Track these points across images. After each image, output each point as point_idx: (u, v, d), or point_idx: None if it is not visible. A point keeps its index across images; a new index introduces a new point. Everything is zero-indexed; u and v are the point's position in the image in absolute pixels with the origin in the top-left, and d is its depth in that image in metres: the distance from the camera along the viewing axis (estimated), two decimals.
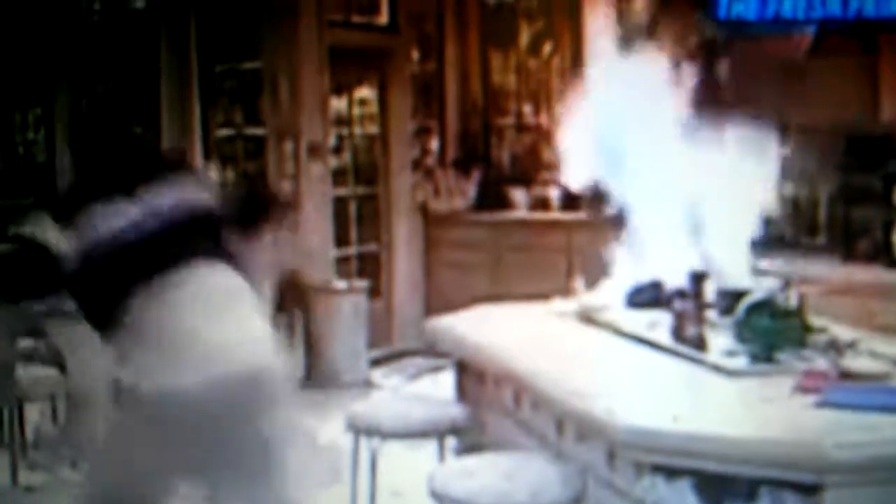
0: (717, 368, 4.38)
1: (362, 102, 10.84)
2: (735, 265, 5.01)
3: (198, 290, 4.21)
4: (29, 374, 7.32)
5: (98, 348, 7.01)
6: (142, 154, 4.99)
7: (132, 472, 4.30)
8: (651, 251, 5.40)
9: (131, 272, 4.20)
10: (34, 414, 7.81)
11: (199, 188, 4.51)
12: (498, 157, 11.34)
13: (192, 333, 4.09)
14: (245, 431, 4.15)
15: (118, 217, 4.23)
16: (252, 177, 6.16)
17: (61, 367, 7.44)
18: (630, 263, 5.51)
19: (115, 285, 4.22)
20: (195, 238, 4.36)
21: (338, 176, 10.37)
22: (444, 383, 7.52)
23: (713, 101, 5.32)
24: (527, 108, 11.25)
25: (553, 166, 10.74)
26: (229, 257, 4.39)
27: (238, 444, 4.16)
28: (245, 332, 4.21)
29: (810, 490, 3.47)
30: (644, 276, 5.43)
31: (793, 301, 4.50)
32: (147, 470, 4.26)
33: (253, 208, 4.88)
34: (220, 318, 4.17)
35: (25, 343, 7.58)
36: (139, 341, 4.19)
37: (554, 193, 10.67)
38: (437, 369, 9.39)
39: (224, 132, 10.35)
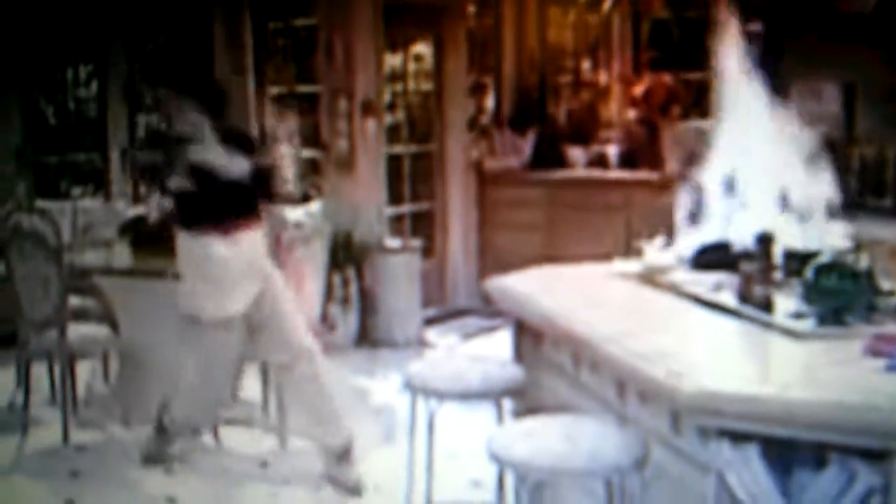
0: (785, 331, 4.28)
1: (417, 59, 10.78)
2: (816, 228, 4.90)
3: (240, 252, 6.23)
4: (80, 331, 7.34)
5: (149, 306, 7.09)
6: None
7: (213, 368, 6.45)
8: (722, 212, 5.30)
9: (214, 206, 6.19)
10: (85, 372, 7.83)
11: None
12: (554, 114, 11.28)
13: (232, 283, 6.24)
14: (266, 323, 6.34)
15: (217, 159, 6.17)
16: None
17: (113, 324, 7.44)
18: (697, 224, 5.41)
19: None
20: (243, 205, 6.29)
21: (392, 133, 10.34)
22: (498, 343, 7.49)
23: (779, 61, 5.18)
24: (585, 65, 11.17)
25: (611, 124, 10.69)
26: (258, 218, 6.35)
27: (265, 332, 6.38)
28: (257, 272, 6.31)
29: (880, 456, 3.38)
30: (710, 237, 5.33)
31: (862, 263, 4.39)
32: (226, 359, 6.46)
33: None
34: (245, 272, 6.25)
35: (77, 300, 7.59)
36: (200, 282, 6.26)
37: (612, 151, 10.59)
38: (491, 329, 9.39)
39: (277, 90, 10.30)
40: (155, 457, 6.69)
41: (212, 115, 6.30)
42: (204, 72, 6.73)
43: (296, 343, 6.39)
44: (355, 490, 6.31)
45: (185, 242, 6.32)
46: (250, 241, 6.29)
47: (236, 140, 6.41)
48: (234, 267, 6.22)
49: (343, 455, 6.38)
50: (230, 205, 6.26)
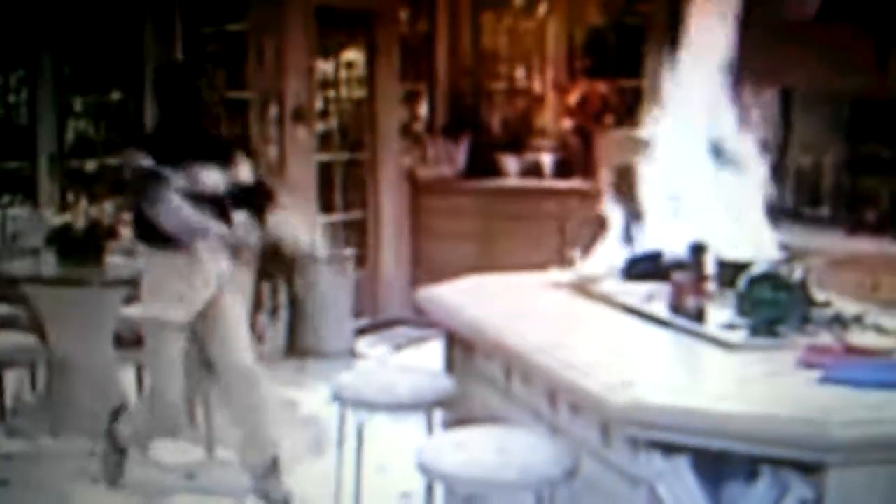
0: (717, 342, 4.28)
1: (349, 65, 10.72)
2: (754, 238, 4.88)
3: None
4: (8, 340, 7.23)
5: (77, 315, 6.98)
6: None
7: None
8: (654, 222, 5.28)
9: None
10: (13, 381, 7.72)
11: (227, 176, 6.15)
12: (489, 122, 11.23)
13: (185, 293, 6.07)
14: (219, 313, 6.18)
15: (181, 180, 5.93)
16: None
17: (41, 333, 7.33)
18: (628, 234, 5.39)
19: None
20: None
21: (323, 141, 10.26)
22: (430, 353, 7.45)
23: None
24: (519, 72, 11.15)
25: (545, 132, 10.68)
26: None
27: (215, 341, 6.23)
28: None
29: (813, 469, 3.37)
30: (642, 247, 5.31)
31: (796, 274, 4.38)
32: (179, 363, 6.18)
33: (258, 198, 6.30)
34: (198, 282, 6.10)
35: (5, 309, 7.49)
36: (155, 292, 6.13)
37: (546, 160, 10.57)
38: (423, 339, 9.34)
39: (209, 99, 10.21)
40: (113, 477, 6.56)
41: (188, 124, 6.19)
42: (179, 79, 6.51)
43: (235, 361, 6.24)
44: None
45: (152, 257, 6.18)
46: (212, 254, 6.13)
47: (211, 150, 6.26)
48: (192, 278, 6.08)
49: (271, 469, 6.28)
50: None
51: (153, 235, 6.02)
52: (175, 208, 5.88)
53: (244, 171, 6.26)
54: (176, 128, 6.18)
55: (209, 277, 6.11)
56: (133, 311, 6.41)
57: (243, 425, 6.29)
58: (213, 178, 6.10)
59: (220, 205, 6.13)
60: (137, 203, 6.11)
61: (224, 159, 6.21)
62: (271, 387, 6.60)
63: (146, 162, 5.94)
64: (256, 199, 6.28)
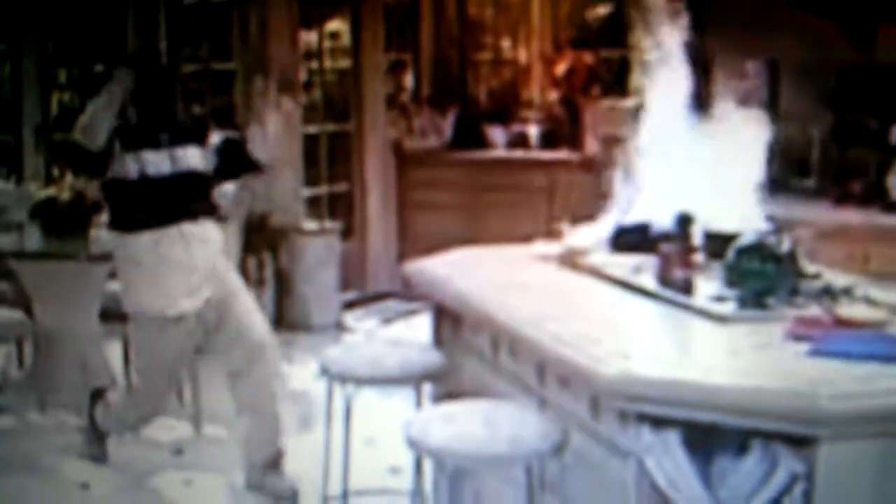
0: (705, 314, 4.25)
1: (333, 36, 10.68)
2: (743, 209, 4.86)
3: (186, 246, 5.96)
4: None
5: (63, 289, 6.96)
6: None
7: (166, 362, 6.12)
8: (645, 192, 5.25)
9: (152, 209, 5.93)
10: (0, 357, 7.70)
11: (207, 153, 6.10)
12: (475, 93, 11.20)
13: (182, 278, 5.94)
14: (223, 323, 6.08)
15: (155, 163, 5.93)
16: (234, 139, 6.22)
17: (27, 308, 7.31)
18: (619, 204, 5.36)
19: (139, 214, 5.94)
20: (195, 198, 6.03)
21: (308, 112, 10.21)
22: (418, 326, 7.45)
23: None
24: (505, 43, 11.12)
25: (532, 103, 10.65)
26: (212, 210, 6.13)
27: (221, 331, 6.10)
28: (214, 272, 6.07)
29: (803, 442, 3.35)
30: (631, 218, 5.29)
31: (785, 245, 4.36)
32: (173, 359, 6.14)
33: (235, 165, 6.26)
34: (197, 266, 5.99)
35: None
36: (142, 278, 5.95)
37: (533, 131, 10.54)
38: (411, 312, 9.34)
39: (191, 67, 10.16)
40: (98, 456, 6.53)
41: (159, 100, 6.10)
42: (150, 53, 6.46)
43: (252, 343, 6.12)
44: (292, 499, 6.14)
45: (120, 240, 6.07)
46: (200, 236, 6.04)
47: (185, 128, 6.21)
48: (179, 264, 5.96)
49: (275, 462, 6.21)
50: (169, 201, 5.99)
51: (132, 216, 5.97)
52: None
53: (215, 143, 6.18)
54: (151, 114, 6.07)
55: (211, 256, 6.05)
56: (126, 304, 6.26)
57: (255, 407, 6.12)
58: (194, 157, 6.05)
59: (204, 182, 6.11)
60: (112, 181, 6.02)
61: (201, 138, 6.15)
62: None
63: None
64: (236, 164, 6.27)
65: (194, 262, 5.97)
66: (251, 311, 6.20)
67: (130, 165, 5.91)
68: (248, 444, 6.17)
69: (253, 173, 6.51)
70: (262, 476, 6.14)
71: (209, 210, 6.13)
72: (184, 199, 6.01)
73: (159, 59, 6.50)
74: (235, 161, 6.25)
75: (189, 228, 5.98)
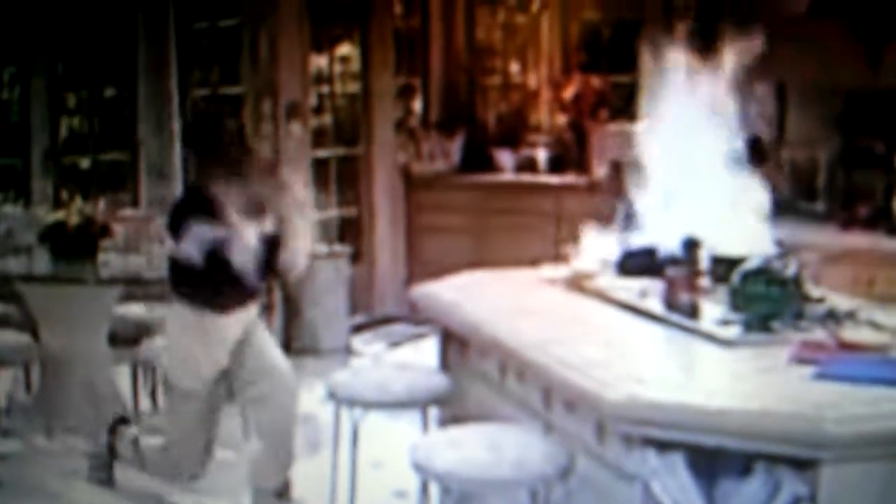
0: (711, 337, 4.28)
1: (343, 60, 10.69)
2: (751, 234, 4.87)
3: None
4: (1, 339, 7.20)
5: (71, 313, 6.95)
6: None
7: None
8: (648, 216, 5.26)
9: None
10: (7, 381, 7.70)
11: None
12: (483, 117, 11.23)
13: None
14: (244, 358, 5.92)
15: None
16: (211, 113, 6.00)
17: (34, 332, 7.31)
18: (627, 228, 5.38)
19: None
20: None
21: (318, 136, 10.23)
22: (426, 350, 7.44)
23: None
24: (514, 67, 11.14)
25: (539, 127, 10.67)
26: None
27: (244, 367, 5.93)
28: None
29: (806, 465, 3.37)
30: (636, 242, 5.30)
31: (790, 269, 4.38)
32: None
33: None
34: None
35: None
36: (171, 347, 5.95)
37: (541, 155, 10.56)
38: (419, 336, 9.34)
39: (201, 92, 10.19)
40: (105, 480, 6.50)
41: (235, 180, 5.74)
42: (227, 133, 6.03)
43: (275, 371, 5.99)
44: None
45: (180, 312, 5.88)
46: (244, 317, 5.91)
47: (249, 204, 5.77)
48: (218, 342, 5.85)
49: (284, 491, 6.13)
50: (235, 282, 5.74)
51: (187, 286, 5.81)
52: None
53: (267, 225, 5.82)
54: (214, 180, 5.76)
55: (228, 340, 5.90)
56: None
57: (274, 434, 5.99)
58: (251, 234, 5.69)
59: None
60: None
61: (256, 210, 5.78)
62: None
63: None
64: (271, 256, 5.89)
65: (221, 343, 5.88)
66: (268, 340, 6.11)
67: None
68: (260, 470, 6.06)
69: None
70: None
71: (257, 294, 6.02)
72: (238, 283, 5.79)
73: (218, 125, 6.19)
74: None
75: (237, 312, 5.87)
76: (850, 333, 4.15)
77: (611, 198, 5.60)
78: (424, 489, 4.36)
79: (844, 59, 7.26)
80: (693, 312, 4.48)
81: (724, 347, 4.18)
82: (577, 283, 5.27)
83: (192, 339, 5.80)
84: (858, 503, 3.37)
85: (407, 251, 10.78)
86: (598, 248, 5.47)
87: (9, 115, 10.31)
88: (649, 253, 5.18)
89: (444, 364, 5.46)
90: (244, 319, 5.89)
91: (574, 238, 5.65)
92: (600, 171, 9.74)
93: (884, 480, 3.37)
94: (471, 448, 4.01)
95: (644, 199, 5.26)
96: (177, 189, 9.90)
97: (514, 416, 4.62)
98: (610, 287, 5.10)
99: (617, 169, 6.17)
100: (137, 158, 10.35)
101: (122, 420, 6.51)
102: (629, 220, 5.39)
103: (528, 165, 10.65)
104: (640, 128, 5.38)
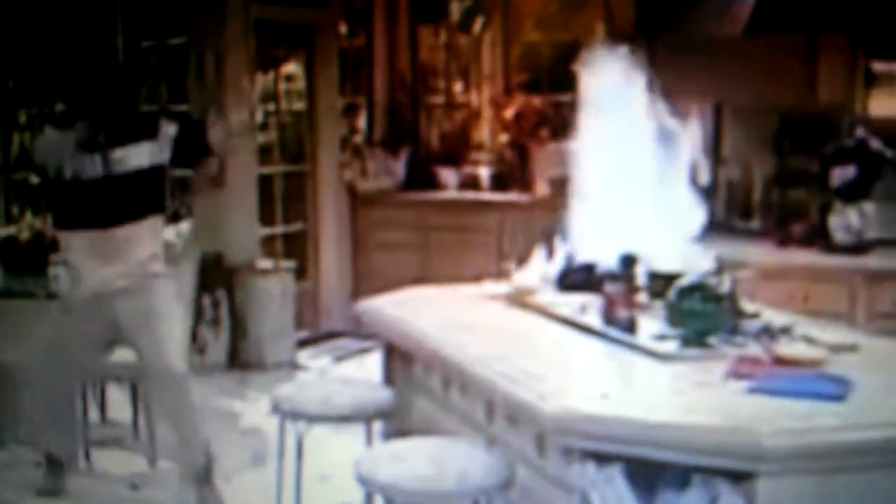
0: (648, 352, 4.33)
1: (289, 78, 10.72)
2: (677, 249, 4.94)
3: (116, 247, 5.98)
4: None
5: (22, 327, 6.95)
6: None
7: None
8: (590, 233, 5.33)
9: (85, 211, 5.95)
10: None
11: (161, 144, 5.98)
12: (427, 135, 11.27)
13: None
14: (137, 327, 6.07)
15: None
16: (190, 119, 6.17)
17: None
18: (565, 245, 5.44)
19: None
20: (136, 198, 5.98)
21: (264, 153, 10.24)
22: (371, 365, 7.46)
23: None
24: (457, 87, 11.20)
25: (482, 146, 10.73)
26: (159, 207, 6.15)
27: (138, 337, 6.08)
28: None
29: (744, 478, 3.41)
30: (577, 259, 5.37)
31: (725, 285, 4.45)
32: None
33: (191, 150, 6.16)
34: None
35: None
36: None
37: (484, 173, 10.64)
38: (364, 351, 9.35)
39: (149, 109, 10.18)
40: (53, 489, 6.50)
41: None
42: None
43: (168, 364, 6.09)
44: None
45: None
46: (130, 234, 6.04)
47: (130, 125, 6.10)
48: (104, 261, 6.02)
49: (206, 476, 6.25)
50: (102, 204, 5.99)
51: (68, 216, 6.06)
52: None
53: (170, 132, 6.07)
54: (89, 109, 6.07)
55: (140, 258, 6.07)
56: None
57: (174, 430, 6.20)
58: (139, 156, 6.00)
59: (153, 178, 6.10)
60: (55, 179, 6.05)
61: (151, 133, 6.07)
62: (212, 397, 6.53)
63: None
64: (192, 150, 6.19)
65: (120, 260, 6.03)
66: (169, 332, 6.18)
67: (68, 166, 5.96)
68: (176, 455, 6.29)
69: (209, 158, 6.46)
70: (196, 489, 6.19)
71: (155, 208, 6.16)
72: (120, 202, 6.01)
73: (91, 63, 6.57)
74: (191, 146, 6.17)
75: (120, 232, 6.01)
76: (786, 348, 4.19)
77: (552, 215, 5.65)
78: (369, 502, 4.41)
79: (780, 79, 7.32)
80: (631, 327, 4.53)
81: (662, 362, 4.22)
82: (519, 299, 5.32)
83: (94, 255, 6.01)
84: None
85: (352, 267, 10.80)
86: (538, 264, 5.54)
87: None
88: (588, 269, 5.24)
89: (389, 378, 5.49)
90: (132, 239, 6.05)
91: (516, 255, 5.71)
92: (542, 188, 9.83)
93: (818, 492, 3.41)
94: (414, 461, 4.04)
95: (582, 216, 5.32)
96: None
97: (458, 430, 4.65)
98: (551, 303, 5.14)
99: (558, 186, 6.21)
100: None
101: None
102: (568, 237, 5.45)
103: (471, 183, 10.72)
104: (577, 146, 5.43)
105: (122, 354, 6.57)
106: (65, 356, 6.18)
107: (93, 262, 6.03)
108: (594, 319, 4.74)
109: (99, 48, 9.64)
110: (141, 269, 6.11)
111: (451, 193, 10.71)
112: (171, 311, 6.26)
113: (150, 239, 6.15)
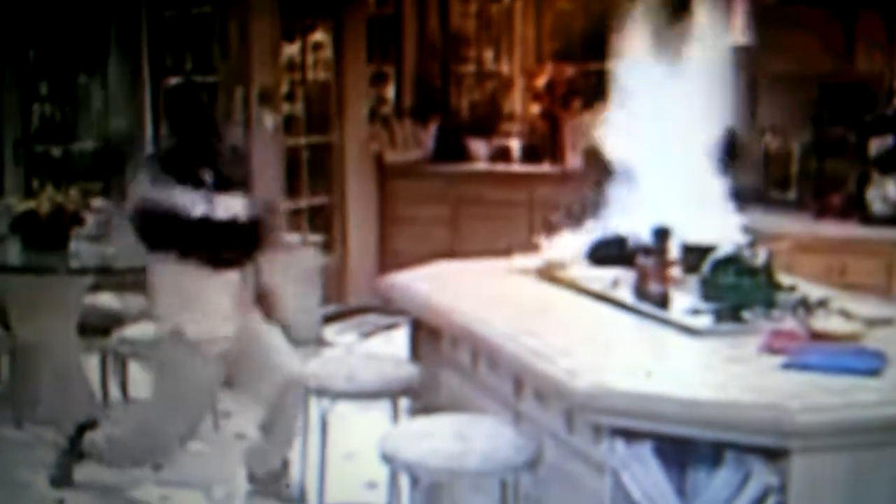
0: (681, 327, 4.26)
1: (316, 47, 10.64)
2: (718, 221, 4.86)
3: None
4: None
5: (42, 304, 6.91)
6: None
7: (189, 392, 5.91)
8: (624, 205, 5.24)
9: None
10: None
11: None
12: (457, 106, 11.21)
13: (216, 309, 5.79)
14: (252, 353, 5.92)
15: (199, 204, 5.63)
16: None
17: (4, 323, 7.26)
18: (599, 217, 5.36)
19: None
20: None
21: (290, 124, 10.19)
22: (398, 341, 7.42)
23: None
24: (488, 55, 11.12)
25: (513, 117, 10.65)
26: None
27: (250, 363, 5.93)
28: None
29: (776, 455, 3.35)
30: (609, 231, 5.29)
31: (760, 258, 4.36)
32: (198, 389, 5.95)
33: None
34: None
35: None
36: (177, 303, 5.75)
37: (515, 145, 10.56)
38: (391, 326, 9.33)
39: (174, 80, 10.13)
40: (62, 480, 6.43)
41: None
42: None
43: (282, 377, 5.90)
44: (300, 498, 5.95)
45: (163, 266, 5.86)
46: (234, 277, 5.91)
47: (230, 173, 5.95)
48: (219, 295, 5.85)
49: (283, 471, 6.10)
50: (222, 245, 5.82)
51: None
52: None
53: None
54: (194, 149, 5.91)
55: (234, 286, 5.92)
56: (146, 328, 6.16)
57: (274, 431, 5.97)
58: (232, 206, 5.81)
59: (240, 235, 5.90)
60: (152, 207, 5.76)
61: (244, 184, 5.97)
62: None
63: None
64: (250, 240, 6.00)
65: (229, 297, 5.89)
66: (277, 345, 6.12)
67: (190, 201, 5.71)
68: (257, 455, 6.11)
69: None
70: (269, 484, 6.09)
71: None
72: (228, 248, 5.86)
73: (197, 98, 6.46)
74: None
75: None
76: (821, 322, 4.11)
77: (585, 186, 5.57)
78: (394, 480, 4.35)
79: (817, 49, 7.28)
80: (663, 302, 4.47)
81: (695, 337, 4.16)
82: (549, 273, 5.24)
83: (204, 288, 5.79)
84: (828, 492, 3.36)
85: (379, 240, 10.76)
86: (570, 237, 5.47)
87: None
88: (620, 242, 5.17)
89: (415, 354, 5.44)
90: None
91: (547, 227, 5.64)
92: (573, 160, 9.74)
93: (852, 469, 3.36)
94: (440, 438, 4.00)
95: (615, 187, 5.24)
96: None
97: (485, 406, 4.60)
98: (581, 277, 5.07)
99: (591, 157, 6.12)
100: (109, 147, 10.29)
101: (90, 424, 6.39)
102: (601, 209, 5.38)
103: (502, 155, 10.64)
104: (611, 116, 5.35)
105: (142, 329, 6.53)
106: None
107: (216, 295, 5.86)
108: (626, 294, 4.68)
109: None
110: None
111: (482, 165, 10.65)
112: (267, 329, 6.18)
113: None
